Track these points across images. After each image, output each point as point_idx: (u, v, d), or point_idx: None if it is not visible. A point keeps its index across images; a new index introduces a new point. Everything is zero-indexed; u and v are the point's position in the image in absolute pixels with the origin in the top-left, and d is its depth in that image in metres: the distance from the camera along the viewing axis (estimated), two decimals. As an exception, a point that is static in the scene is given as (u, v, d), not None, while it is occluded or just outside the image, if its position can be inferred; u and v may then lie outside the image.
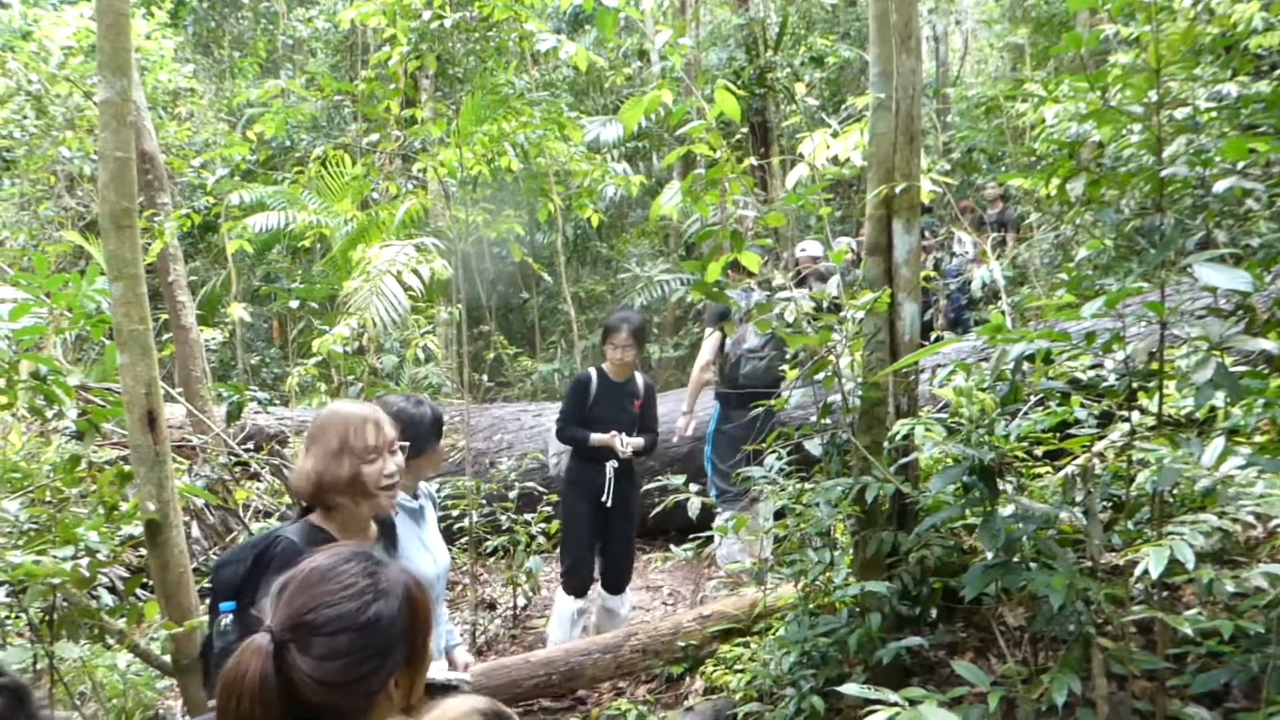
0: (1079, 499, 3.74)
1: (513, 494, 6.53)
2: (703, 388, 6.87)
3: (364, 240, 8.67)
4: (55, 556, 3.40)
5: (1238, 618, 2.92)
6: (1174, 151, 3.67)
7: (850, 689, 2.63)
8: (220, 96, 13.50)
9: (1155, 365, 3.38)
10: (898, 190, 3.87)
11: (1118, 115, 3.46)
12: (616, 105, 12.12)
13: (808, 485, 4.27)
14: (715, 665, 4.59)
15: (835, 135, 5.36)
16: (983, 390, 3.58)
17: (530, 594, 6.62)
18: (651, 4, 6.35)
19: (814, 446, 4.23)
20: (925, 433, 3.68)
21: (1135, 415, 3.80)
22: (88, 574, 3.47)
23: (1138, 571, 2.57)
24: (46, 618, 3.53)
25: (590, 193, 7.46)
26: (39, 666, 3.80)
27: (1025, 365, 3.51)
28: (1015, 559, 3.48)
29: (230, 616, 2.56)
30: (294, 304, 6.98)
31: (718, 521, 5.87)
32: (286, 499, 5.43)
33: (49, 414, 3.98)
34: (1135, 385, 3.58)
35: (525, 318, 13.22)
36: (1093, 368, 4.03)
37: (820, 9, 12.68)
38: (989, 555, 3.62)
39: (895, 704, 2.58)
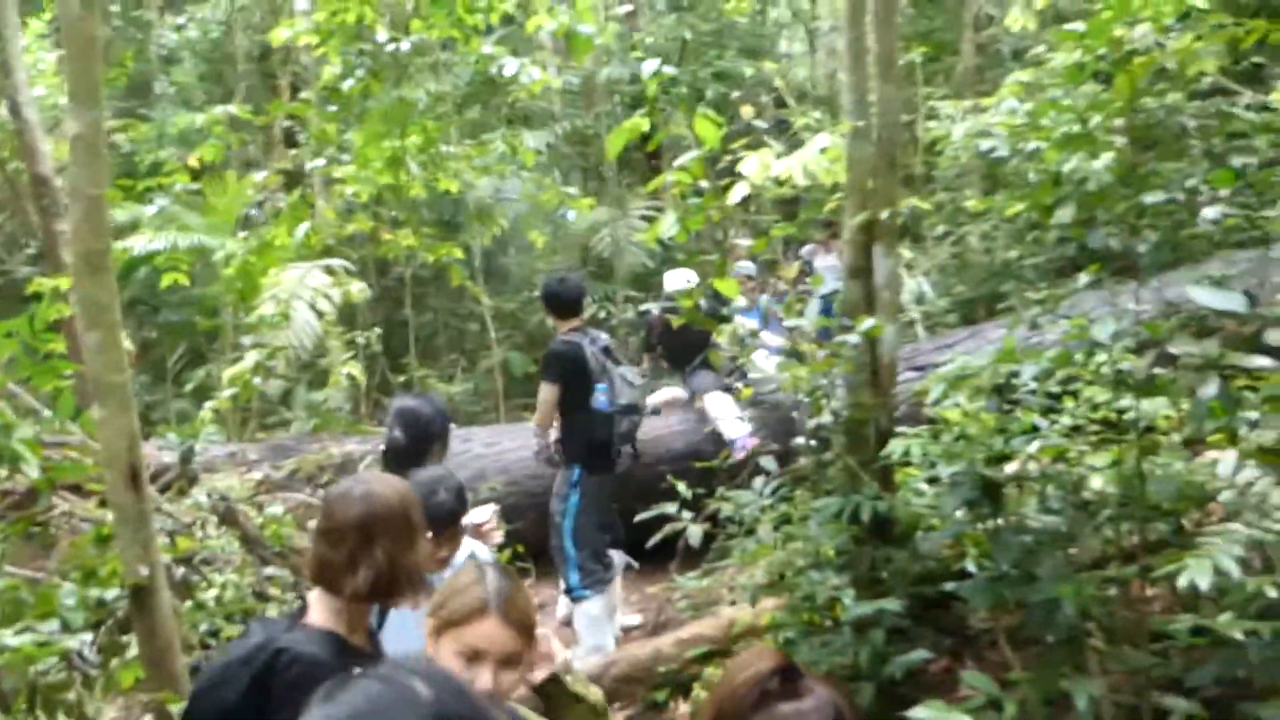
0: (1054, 506, 3.91)
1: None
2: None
3: (261, 261, 8.27)
4: (38, 631, 3.14)
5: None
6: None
7: (918, 713, 2.70)
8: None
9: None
10: (882, 216, 3.97)
11: (1093, 141, 3.67)
12: (509, 117, 11.90)
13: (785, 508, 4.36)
14: (703, 688, 4.57)
15: (778, 155, 5.44)
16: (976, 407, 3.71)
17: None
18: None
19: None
20: (921, 452, 3.79)
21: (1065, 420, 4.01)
22: (74, 646, 3.22)
23: (1181, 582, 2.71)
24: (29, 701, 3.24)
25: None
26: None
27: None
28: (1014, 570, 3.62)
29: None
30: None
31: (584, 608, 5.49)
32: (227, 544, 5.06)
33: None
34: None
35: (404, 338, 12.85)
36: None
37: (714, 24, 12.68)
38: (973, 568, 3.77)
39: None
